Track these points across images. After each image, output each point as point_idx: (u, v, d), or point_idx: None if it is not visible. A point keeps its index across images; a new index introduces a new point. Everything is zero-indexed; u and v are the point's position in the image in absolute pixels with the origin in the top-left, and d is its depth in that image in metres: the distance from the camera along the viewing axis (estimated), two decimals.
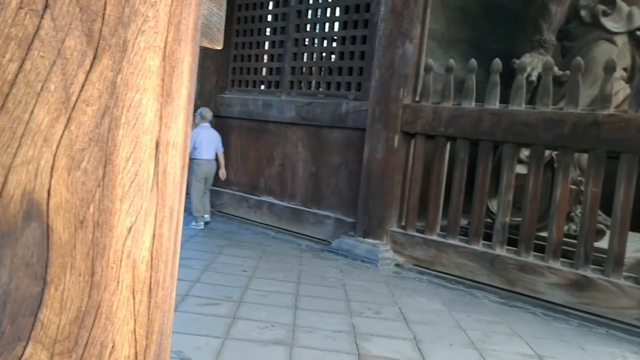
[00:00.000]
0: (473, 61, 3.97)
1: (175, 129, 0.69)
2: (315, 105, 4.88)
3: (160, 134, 0.67)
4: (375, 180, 4.30)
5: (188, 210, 5.01)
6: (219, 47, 0.84)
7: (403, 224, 4.30)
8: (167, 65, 0.66)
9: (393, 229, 4.30)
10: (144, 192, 0.65)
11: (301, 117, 4.98)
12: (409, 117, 4.21)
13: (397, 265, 4.18)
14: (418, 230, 4.20)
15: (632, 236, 3.43)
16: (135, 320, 0.66)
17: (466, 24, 4.83)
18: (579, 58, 3.56)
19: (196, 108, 5.77)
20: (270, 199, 5.24)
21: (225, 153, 5.65)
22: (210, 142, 4.97)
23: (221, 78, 5.81)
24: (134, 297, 0.66)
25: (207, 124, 5.05)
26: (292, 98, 5.12)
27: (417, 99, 4.26)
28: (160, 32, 0.65)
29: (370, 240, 4.29)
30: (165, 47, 0.66)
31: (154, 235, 0.67)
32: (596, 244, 3.47)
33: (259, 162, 5.39)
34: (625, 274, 3.26)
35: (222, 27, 0.83)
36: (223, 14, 0.84)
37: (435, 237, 4.06)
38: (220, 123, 5.78)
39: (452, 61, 4.10)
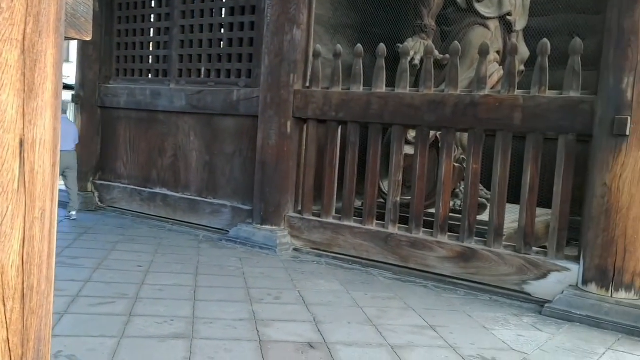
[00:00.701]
0: (359, 46, 4.07)
1: (41, 125, 0.66)
2: (206, 94, 4.79)
3: (24, 131, 0.63)
4: (270, 166, 4.32)
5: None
6: (88, 38, 0.80)
7: (299, 208, 4.35)
8: (28, 59, 0.63)
9: (290, 214, 4.34)
10: (9, 193, 0.62)
11: (192, 106, 4.88)
12: (301, 103, 4.25)
13: (296, 249, 4.23)
14: (314, 214, 4.27)
15: (510, 208, 3.69)
16: (7, 329, 0.63)
17: (351, 10, 4.94)
18: (456, 42, 3.75)
19: (79, 99, 5.48)
20: (165, 191, 5.11)
21: (114, 145, 5.44)
22: (67, 134, 4.78)
23: (105, 67, 5.55)
24: (4, 305, 0.63)
25: (64, 115, 4.86)
26: (182, 87, 4.99)
27: (308, 84, 4.31)
28: (16, 24, 0.61)
29: (268, 227, 4.31)
30: (24, 39, 0.63)
31: (23, 238, 0.64)
32: (479, 217, 3.70)
33: (151, 154, 5.22)
34: (504, 243, 3.51)
35: (90, 17, 0.80)
36: (91, 3, 0.81)
37: (331, 220, 4.15)
38: (106, 114, 5.54)
39: (339, 47, 4.18)
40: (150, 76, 5.33)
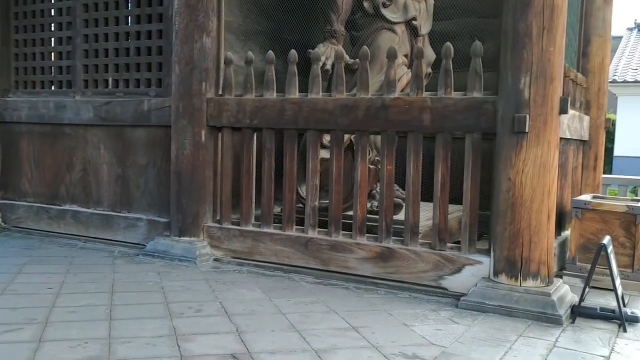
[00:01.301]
0: (271, 53, 4.07)
1: None
2: (114, 104, 4.63)
3: None
4: (185, 177, 4.23)
5: None
6: None
7: (218, 218, 4.29)
8: None
9: (209, 224, 4.27)
10: None
11: (100, 118, 4.70)
12: (214, 111, 4.19)
13: (216, 260, 4.17)
14: (234, 223, 4.22)
15: (424, 206, 3.81)
16: None
17: (262, 16, 4.93)
18: (365, 47, 3.83)
19: None
20: (75, 207, 4.88)
21: (16, 162, 5.15)
22: None
23: (2, 80, 5.24)
24: None
25: None
26: (88, 98, 4.80)
27: (221, 92, 4.26)
28: None
29: (187, 238, 4.22)
30: None
31: None
32: (396, 217, 3.79)
33: (58, 169, 4.98)
34: (421, 241, 3.62)
35: None
36: None
37: (250, 228, 4.12)
38: (6, 130, 5.23)
39: (250, 53, 4.17)
40: (53, 88, 5.09)
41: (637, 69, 16.76)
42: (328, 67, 4.29)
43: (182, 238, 4.23)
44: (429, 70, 4.77)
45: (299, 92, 3.99)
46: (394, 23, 4.56)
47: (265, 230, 4.06)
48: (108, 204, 4.76)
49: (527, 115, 3.13)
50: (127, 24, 4.67)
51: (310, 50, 4.13)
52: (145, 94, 4.55)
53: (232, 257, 4.15)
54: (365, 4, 4.56)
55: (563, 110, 3.21)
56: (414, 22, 4.63)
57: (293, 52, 3.97)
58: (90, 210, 4.80)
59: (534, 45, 3.15)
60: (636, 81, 16.22)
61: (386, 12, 4.53)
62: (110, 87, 4.77)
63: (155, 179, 4.54)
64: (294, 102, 3.92)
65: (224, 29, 4.30)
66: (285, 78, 4.01)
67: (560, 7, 3.17)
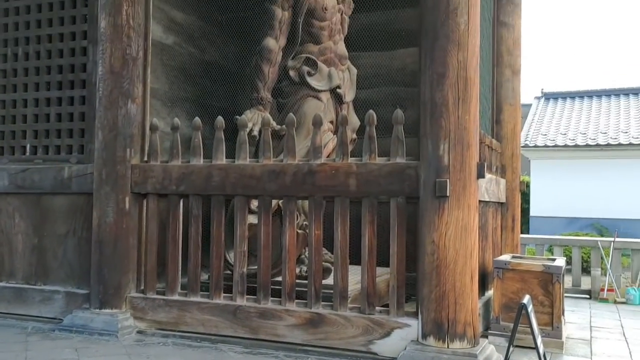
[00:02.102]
0: (197, 119, 4.08)
1: None
2: (32, 172, 4.46)
3: None
4: (108, 245, 4.08)
5: None
6: None
7: (142, 288, 4.14)
8: None
9: (132, 294, 4.10)
10: None
11: (17, 186, 4.50)
12: (139, 178, 4.12)
13: (140, 332, 3.99)
14: (159, 292, 4.08)
15: (354, 269, 3.84)
16: None
17: (188, 83, 4.96)
18: (291, 114, 3.92)
19: None
20: None
21: None
22: None
23: None
24: None
25: None
26: (4, 165, 4.60)
27: (146, 158, 4.20)
28: None
29: (108, 311, 4.03)
30: None
31: None
32: (325, 281, 3.79)
33: None
34: (350, 305, 3.62)
35: None
36: None
37: (176, 297, 4.00)
38: None
39: (177, 120, 4.16)
40: None
41: (546, 134, 17.92)
42: (255, 133, 4.34)
43: (102, 310, 4.03)
44: (354, 136, 4.91)
45: (227, 158, 4.00)
46: (319, 91, 4.69)
47: (192, 299, 3.95)
48: (22, 276, 4.49)
49: (448, 180, 3.27)
50: (49, 89, 4.57)
51: (238, 117, 4.17)
52: (66, 161, 4.42)
53: (157, 328, 3.98)
54: (291, 73, 4.68)
55: (480, 175, 3.37)
56: (338, 90, 4.78)
57: (220, 118, 4.00)
58: (2, 284, 4.51)
59: (450, 114, 3.33)
60: (546, 145, 17.29)
61: (311, 81, 4.67)
62: (28, 154, 4.60)
63: (75, 248, 4.35)
64: (221, 168, 3.92)
65: (149, 96, 4.29)
66: (212, 144, 4.01)
67: (473, 79, 3.39)
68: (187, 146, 4.14)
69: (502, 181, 5.39)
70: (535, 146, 17.39)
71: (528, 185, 16.98)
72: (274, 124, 4.47)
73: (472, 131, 3.37)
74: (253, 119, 4.53)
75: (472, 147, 3.37)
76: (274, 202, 4.03)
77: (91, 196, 4.17)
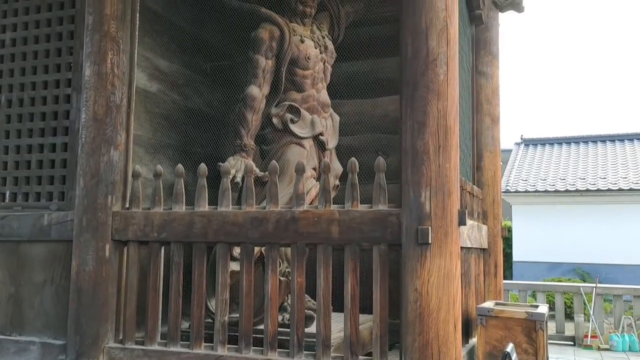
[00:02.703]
0: (179, 166, 4.09)
1: None
2: (11, 219, 4.40)
3: None
4: (86, 294, 4.00)
5: None
6: None
7: (121, 337, 4.04)
8: None
9: (110, 344, 4.00)
10: None
11: None
12: (120, 225, 4.08)
13: None
14: (138, 342, 3.99)
15: (337, 316, 3.80)
16: None
17: (172, 131, 4.99)
18: (274, 162, 3.94)
19: None
20: None
21: None
22: None
23: None
24: None
25: None
26: None
27: (128, 205, 4.18)
28: None
29: None
30: None
31: None
32: (308, 330, 3.74)
33: None
34: (333, 354, 3.56)
35: None
36: None
37: (156, 347, 3.91)
38: None
39: (159, 167, 4.16)
40: None
41: (526, 180, 18.18)
42: (238, 180, 4.34)
43: None
44: (337, 182, 4.94)
45: (210, 205, 3.99)
46: (302, 138, 4.74)
47: (172, 349, 3.86)
48: None
49: (429, 227, 3.29)
50: (31, 136, 4.56)
51: (221, 164, 4.18)
52: (46, 208, 4.38)
53: None
54: (274, 120, 4.74)
55: (462, 222, 3.40)
56: (321, 137, 4.84)
57: (202, 165, 4.01)
58: None
59: (431, 162, 3.37)
60: (527, 191, 17.53)
61: (295, 128, 4.72)
62: (7, 200, 4.55)
63: (52, 297, 4.26)
64: (204, 215, 3.90)
65: (132, 143, 4.30)
66: (195, 191, 4.01)
67: (453, 128, 3.45)
68: (170, 193, 4.13)
69: (484, 227, 5.44)
70: (517, 191, 17.60)
71: (510, 230, 17.10)
72: (257, 170, 4.49)
73: (453, 179, 3.41)
74: (236, 166, 4.55)
75: (453, 194, 3.40)
76: (256, 249, 4.01)
77: (71, 244, 4.12)
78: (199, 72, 5.21)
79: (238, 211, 3.86)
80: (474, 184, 5.46)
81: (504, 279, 6.05)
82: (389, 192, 3.62)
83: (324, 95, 5.01)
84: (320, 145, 4.91)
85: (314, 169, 4.82)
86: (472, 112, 5.75)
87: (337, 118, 5.12)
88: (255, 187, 4.14)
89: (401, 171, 3.53)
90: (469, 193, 4.79)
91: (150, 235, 4.02)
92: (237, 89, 4.74)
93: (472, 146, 5.71)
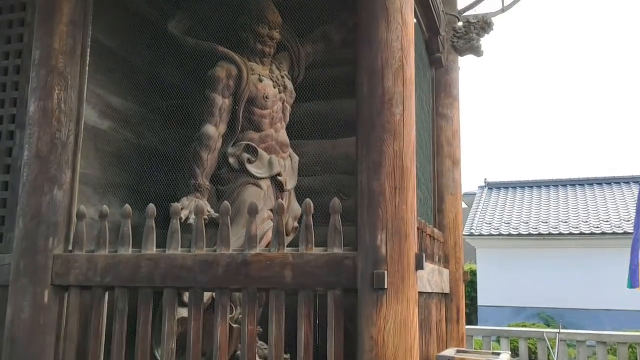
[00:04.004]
0: (127, 207, 3.89)
1: None
2: None
3: None
4: (21, 344, 3.72)
5: None
6: None
7: None
8: None
9: None
10: None
11: None
12: (61, 269, 3.83)
13: None
14: None
15: None
16: None
17: (123, 169, 4.80)
18: (226, 202, 3.79)
19: None
20: None
21: None
22: None
23: None
24: None
25: None
26: None
27: (70, 248, 3.94)
28: None
29: None
30: None
31: None
32: None
33: None
34: None
35: None
36: None
37: None
38: None
39: (105, 207, 3.96)
40: None
41: (490, 223, 18.31)
42: (190, 221, 4.16)
43: None
44: (295, 224, 4.80)
45: (160, 247, 3.79)
46: (259, 178, 4.61)
47: None
48: None
49: (385, 272, 3.15)
50: None
51: (172, 204, 4.01)
52: None
53: None
54: (231, 160, 4.61)
55: (419, 266, 3.28)
56: (279, 177, 4.71)
57: (151, 206, 3.83)
58: None
59: (387, 204, 3.27)
60: (490, 234, 17.63)
61: (251, 168, 4.59)
62: None
63: None
64: (150, 258, 3.70)
65: (79, 182, 4.09)
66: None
67: (409, 169, 3.37)
68: (117, 235, 3.91)
69: (445, 271, 5.33)
70: (481, 235, 17.69)
71: (474, 274, 17.09)
72: (212, 211, 4.33)
73: (410, 221, 3.31)
74: (189, 206, 4.38)
75: (410, 237, 3.29)
76: (208, 294, 3.81)
77: (6, 289, 3.85)
78: (153, 110, 5.07)
79: (187, 254, 3.67)
80: (435, 226, 5.38)
81: (470, 323, 5.94)
82: (349, 235, 3.49)
83: (283, 135, 4.91)
84: (279, 186, 4.77)
85: (272, 210, 4.67)
86: (433, 154, 5.71)
87: (296, 158, 5.02)
88: (210, 229, 3.97)
89: (357, 213, 3.41)
90: (430, 236, 4.69)
91: (93, 280, 3.78)
92: (193, 128, 4.60)
93: (433, 188, 5.65)
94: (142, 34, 4.96)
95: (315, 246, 3.49)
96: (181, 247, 3.77)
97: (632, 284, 11.36)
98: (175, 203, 3.99)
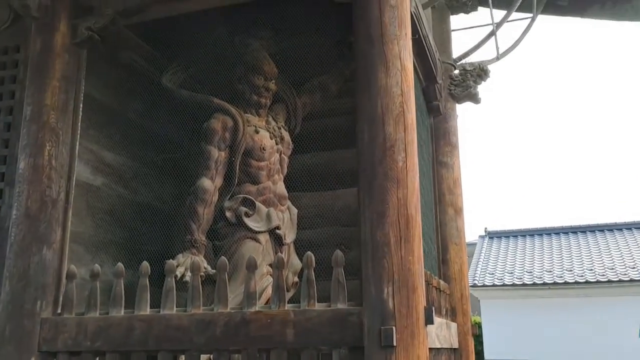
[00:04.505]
0: (119, 266, 3.72)
1: None
2: None
3: None
4: None
5: None
6: None
7: None
8: None
9: None
10: None
11: None
12: (49, 334, 3.62)
13: None
14: None
15: None
16: None
17: (117, 227, 4.63)
18: (223, 258, 3.62)
19: None
20: None
21: None
22: None
23: None
24: None
25: None
26: None
27: (60, 310, 3.74)
28: None
29: None
30: None
31: None
32: None
33: None
34: None
35: None
36: None
37: None
38: None
39: (97, 267, 3.78)
40: None
41: (493, 273, 18.00)
42: (187, 278, 3.98)
43: None
44: (296, 279, 4.62)
45: (155, 308, 3.59)
46: (258, 232, 4.46)
47: None
48: None
49: (394, 327, 2.96)
50: None
51: (167, 261, 3.83)
52: None
53: None
54: (228, 214, 4.46)
55: (429, 321, 3.09)
56: (277, 231, 4.56)
57: (145, 264, 3.65)
58: None
59: (393, 255, 3.11)
60: (494, 285, 17.29)
61: (249, 222, 4.45)
62: None
63: None
64: (144, 320, 3.49)
65: (70, 241, 3.93)
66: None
67: (414, 217, 3.22)
68: (110, 295, 3.72)
69: (453, 325, 5.10)
70: (484, 285, 17.37)
71: (480, 326, 16.66)
72: (209, 268, 4.17)
73: (417, 272, 3.14)
74: (185, 264, 4.20)
75: (418, 289, 3.11)
76: (204, 357, 3.59)
77: None
78: (148, 164, 4.94)
79: (183, 314, 3.47)
80: (440, 278, 5.18)
81: None
82: (352, 290, 3.30)
83: (281, 187, 4.78)
84: (277, 240, 4.61)
85: (271, 265, 4.49)
86: (435, 203, 5.57)
87: (295, 211, 4.87)
88: (208, 286, 3.80)
89: (361, 266, 3.24)
90: (436, 288, 4.49)
91: (82, 345, 3.56)
92: (189, 182, 4.47)
93: (437, 239, 5.49)
94: (136, 87, 4.90)
95: (318, 302, 3.30)
96: (177, 307, 3.57)
97: None
98: (170, 260, 3.82)
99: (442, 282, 4.94)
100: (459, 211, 5.67)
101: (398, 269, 3.08)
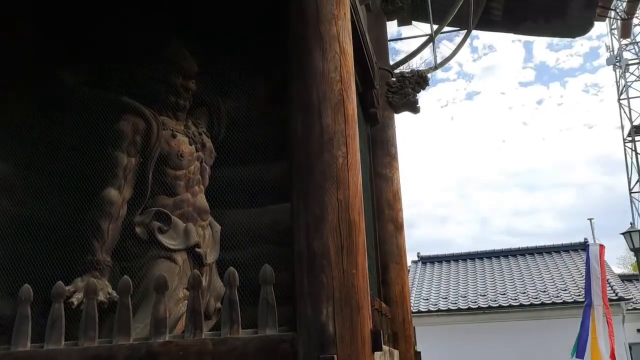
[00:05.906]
0: None
1: None
2: None
3: None
4: None
5: None
6: None
7: None
8: None
9: None
10: None
11: None
12: None
13: None
14: None
15: None
16: None
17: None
18: (126, 277, 3.00)
19: None
20: None
21: None
22: None
23: None
24: None
25: None
26: None
27: None
28: None
29: None
30: None
31: None
32: None
33: None
34: None
35: None
36: None
37: None
38: None
39: None
40: None
41: (428, 299, 17.79)
42: (76, 302, 3.30)
43: None
44: (219, 305, 4.01)
45: (38, 342, 2.89)
46: (174, 251, 3.84)
47: None
48: None
49: (335, 356, 2.41)
50: None
51: (56, 284, 3.14)
52: None
53: None
54: (138, 230, 3.83)
55: (377, 347, 2.57)
56: (197, 249, 3.96)
57: (27, 287, 2.97)
58: None
59: (333, 268, 2.59)
60: (429, 310, 17.05)
61: (163, 239, 3.83)
62: None
63: None
64: (22, 358, 2.78)
65: None
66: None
67: (358, 223, 2.73)
68: None
69: (396, 353, 4.61)
70: (419, 311, 17.08)
71: (419, 356, 16.29)
72: (114, 293, 3.49)
73: (362, 288, 2.63)
74: (83, 289, 3.50)
75: (364, 309, 2.60)
76: None
77: None
78: (40, 173, 4.17)
79: (73, 348, 2.80)
80: (381, 300, 4.69)
81: None
82: (282, 316, 2.75)
83: (202, 200, 4.19)
84: (197, 260, 3.99)
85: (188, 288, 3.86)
86: (373, 218, 5.11)
87: (217, 227, 4.29)
88: (113, 315, 3.13)
89: (295, 284, 2.70)
90: (378, 311, 4.00)
91: None
92: (91, 193, 3.80)
93: (376, 257, 5.01)
94: (30, 86, 4.19)
95: (243, 328, 2.72)
96: (67, 341, 2.88)
97: (577, 354, 10.95)
98: (59, 282, 3.12)
99: (383, 304, 4.45)
100: (399, 227, 5.24)
101: (339, 285, 2.56)
